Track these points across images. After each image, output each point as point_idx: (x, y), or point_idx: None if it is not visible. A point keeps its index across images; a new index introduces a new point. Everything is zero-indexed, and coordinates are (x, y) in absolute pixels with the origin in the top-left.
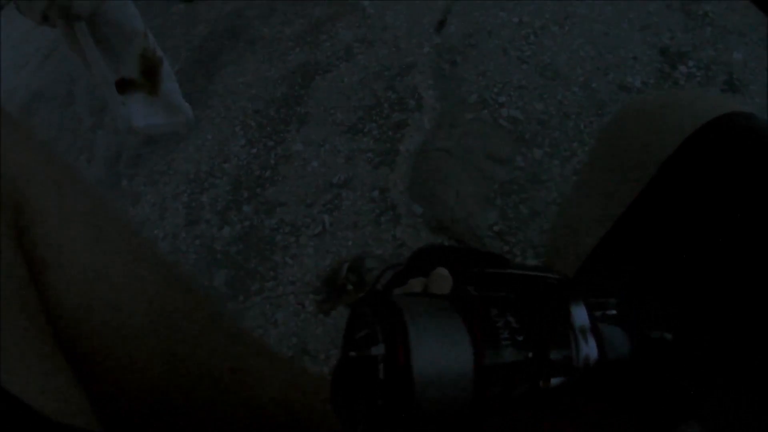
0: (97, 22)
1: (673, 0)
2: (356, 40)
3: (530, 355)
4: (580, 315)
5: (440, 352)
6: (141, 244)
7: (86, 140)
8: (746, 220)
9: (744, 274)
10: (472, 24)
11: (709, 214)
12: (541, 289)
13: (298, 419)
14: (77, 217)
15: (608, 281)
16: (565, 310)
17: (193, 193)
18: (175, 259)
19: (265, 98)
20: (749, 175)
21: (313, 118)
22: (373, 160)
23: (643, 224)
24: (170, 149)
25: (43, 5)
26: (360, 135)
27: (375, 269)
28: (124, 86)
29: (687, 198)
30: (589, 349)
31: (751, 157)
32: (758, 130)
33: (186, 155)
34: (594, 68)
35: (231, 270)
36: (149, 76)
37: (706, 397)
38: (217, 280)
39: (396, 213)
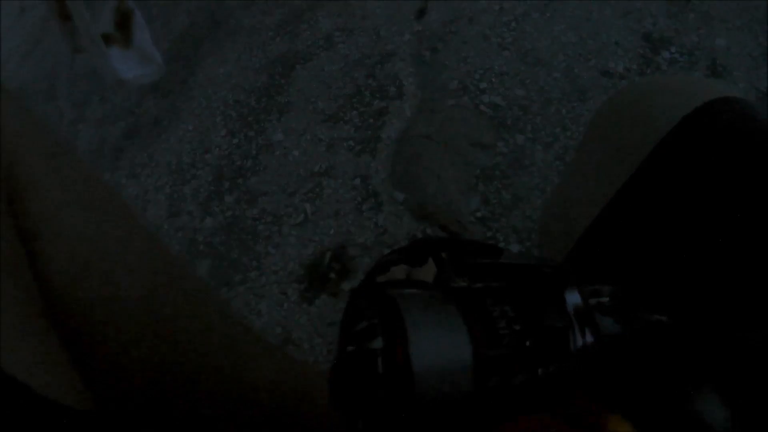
0: None
1: None
2: (336, 29)
3: (528, 343)
4: (575, 302)
5: (438, 344)
6: (132, 216)
7: (68, 134)
8: (737, 203)
9: (738, 255)
10: (452, 11)
11: (699, 197)
12: (536, 278)
13: (287, 404)
14: (70, 186)
15: (601, 265)
16: (560, 298)
17: (175, 184)
18: None
19: (246, 88)
20: (739, 159)
21: (294, 107)
22: (354, 148)
23: (635, 207)
24: (151, 141)
25: None
26: (341, 123)
27: (357, 257)
28: (104, 41)
29: (678, 181)
30: (585, 335)
31: (742, 140)
32: (749, 115)
33: (167, 146)
34: (576, 54)
35: (214, 260)
36: (123, 29)
37: (722, 362)
38: (200, 270)
39: (378, 200)
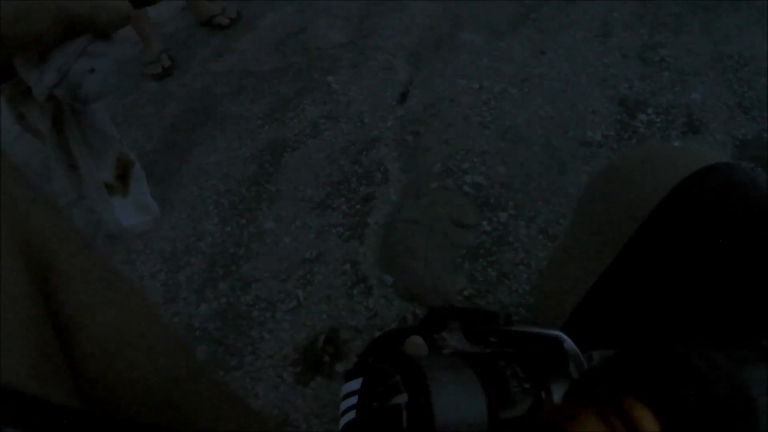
0: (81, 128)
1: (629, 49)
2: (322, 116)
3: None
4: (577, 363)
5: (458, 401)
6: (150, 308)
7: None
8: (723, 268)
9: (728, 324)
10: (433, 94)
11: (690, 263)
12: (541, 342)
13: None
14: (97, 280)
15: (595, 332)
16: (563, 359)
17: (170, 271)
18: None
19: (236, 177)
20: (725, 226)
21: (284, 195)
22: (343, 234)
23: (624, 281)
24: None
25: (52, 79)
26: (329, 210)
27: (350, 340)
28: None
29: (669, 249)
30: None
31: (728, 209)
32: (736, 181)
33: (161, 234)
34: (554, 126)
35: (210, 346)
36: (123, 179)
37: None
38: (197, 356)
39: (367, 284)
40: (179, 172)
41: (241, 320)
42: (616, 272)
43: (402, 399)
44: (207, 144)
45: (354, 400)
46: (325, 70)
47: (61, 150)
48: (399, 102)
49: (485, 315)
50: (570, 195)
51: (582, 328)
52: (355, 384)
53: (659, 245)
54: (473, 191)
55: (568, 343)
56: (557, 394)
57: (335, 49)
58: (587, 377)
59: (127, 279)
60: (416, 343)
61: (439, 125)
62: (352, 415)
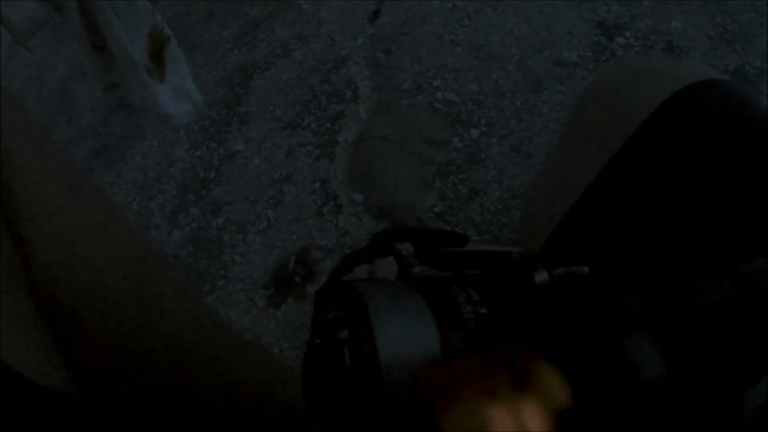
0: (115, 4)
1: None
2: (292, 37)
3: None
4: (542, 280)
5: (404, 333)
6: (112, 207)
7: None
8: (710, 184)
9: (714, 238)
10: (405, 12)
11: (675, 178)
12: (503, 262)
13: (267, 403)
14: (54, 173)
15: (577, 248)
16: (529, 279)
17: (142, 200)
18: None
19: (207, 101)
20: (715, 142)
21: (254, 116)
22: (313, 153)
23: (612, 190)
24: (118, 159)
25: None
26: (299, 129)
27: (320, 260)
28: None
29: (655, 164)
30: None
31: (718, 125)
32: (728, 98)
33: (133, 164)
34: (529, 46)
35: (182, 272)
36: (157, 60)
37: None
38: (171, 276)
39: (337, 203)
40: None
41: (213, 245)
42: (602, 184)
43: (343, 334)
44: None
45: None
46: None
47: (86, 26)
48: (370, 21)
49: (439, 235)
50: (543, 114)
51: (565, 241)
52: None
53: (647, 158)
54: (444, 108)
55: (531, 261)
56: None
57: None
58: (477, 331)
59: (83, 170)
60: (385, 265)
61: (411, 43)
62: None
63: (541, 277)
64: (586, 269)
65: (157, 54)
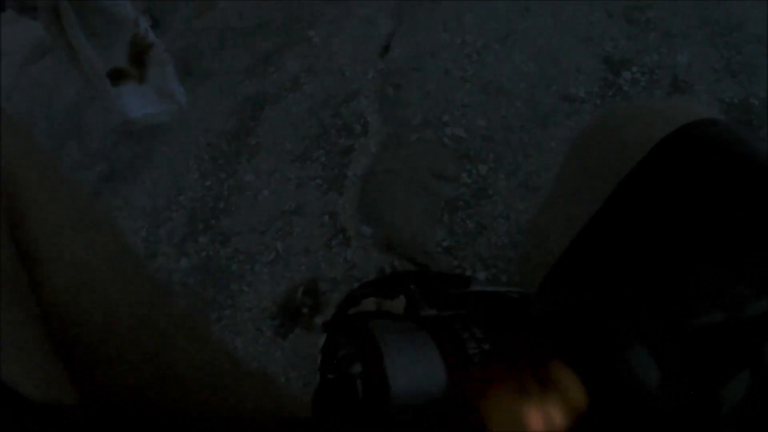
0: (84, 11)
1: (615, 8)
2: (303, 70)
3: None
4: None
5: (413, 366)
6: (125, 243)
7: None
8: (700, 227)
9: (708, 278)
10: (415, 47)
11: (668, 218)
12: (503, 302)
13: (269, 428)
14: (67, 210)
15: (574, 287)
16: (527, 318)
17: (151, 227)
18: None
19: (217, 131)
20: (707, 182)
21: (264, 148)
22: (322, 186)
23: (608, 230)
24: (127, 184)
25: None
26: (309, 162)
27: (328, 292)
28: (115, 76)
29: (650, 204)
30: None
31: (710, 165)
32: (722, 138)
33: (142, 190)
34: (537, 82)
35: (190, 300)
36: (138, 64)
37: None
38: (179, 305)
39: (346, 236)
40: (159, 127)
41: (221, 274)
42: (598, 223)
43: (357, 369)
44: (189, 99)
45: None
46: (306, 25)
47: (60, 35)
48: (380, 55)
49: (444, 278)
50: (551, 149)
51: (559, 280)
52: None
53: (643, 198)
54: (453, 143)
55: (529, 299)
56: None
57: (317, 3)
58: (508, 340)
59: (97, 206)
60: (393, 302)
61: (420, 78)
62: None
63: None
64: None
65: (137, 58)
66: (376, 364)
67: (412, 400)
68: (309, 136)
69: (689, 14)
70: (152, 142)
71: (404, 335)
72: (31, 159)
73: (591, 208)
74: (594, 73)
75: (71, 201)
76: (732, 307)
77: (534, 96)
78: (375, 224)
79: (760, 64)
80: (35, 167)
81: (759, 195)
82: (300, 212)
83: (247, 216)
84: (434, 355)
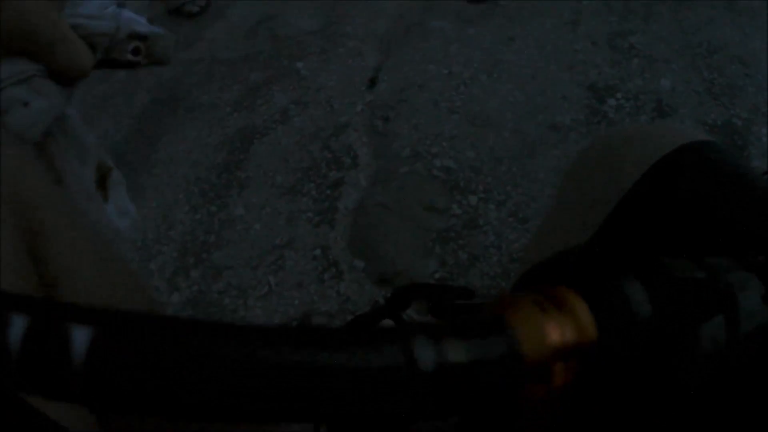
0: (62, 139)
1: (598, 36)
2: (292, 103)
3: None
4: None
5: None
6: (135, 275)
7: None
8: (698, 245)
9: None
10: (402, 79)
11: (667, 238)
12: None
13: None
14: (84, 241)
15: None
16: None
17: (142, 260)
18: None
19: (207, 164)
20: (705, 203)
21: (253, 181)
22: (313, 220)
23: (602, 256)
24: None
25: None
26: (299, 196)
27: (323, 325)
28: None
29: (648, 225)
30: None
31: (704, 188)
32: (713, 161)
33: (132, 223)
34: (523, 111)
35: None
36: (102, 185)
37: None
38: None
39: (339, 270)
40: (149, 160)
41: (213, 308)
42: (590, 250)
43: None
44: (177, 132)
45: None
46: (294, 57)
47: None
48: (368, 88)
49: (449, 290)
50: (539, 179)
51: None
52: None
53: (636, 223)
54: (443, 175)
55: None
56: None
57: (305, 36)
58: (526, 276)
59: (112, 246)
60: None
61: (409, 110)
62: None
63: None
64: None
65: (102, 181)
66: None
67: None
68: (299, 169)
69: (671, 39)
70: (141, 174)
71: None
72: (47, 187)
73: (587, 232)
74: (579, 101)
75: (86, 228)
76: (715, 270)
77: (521, 126)
78: (367, 257)
79: (742, 85)
80: (52, 195)
81: (756, 215)
82: (292, 246)
83: (239, 250)
84: None
